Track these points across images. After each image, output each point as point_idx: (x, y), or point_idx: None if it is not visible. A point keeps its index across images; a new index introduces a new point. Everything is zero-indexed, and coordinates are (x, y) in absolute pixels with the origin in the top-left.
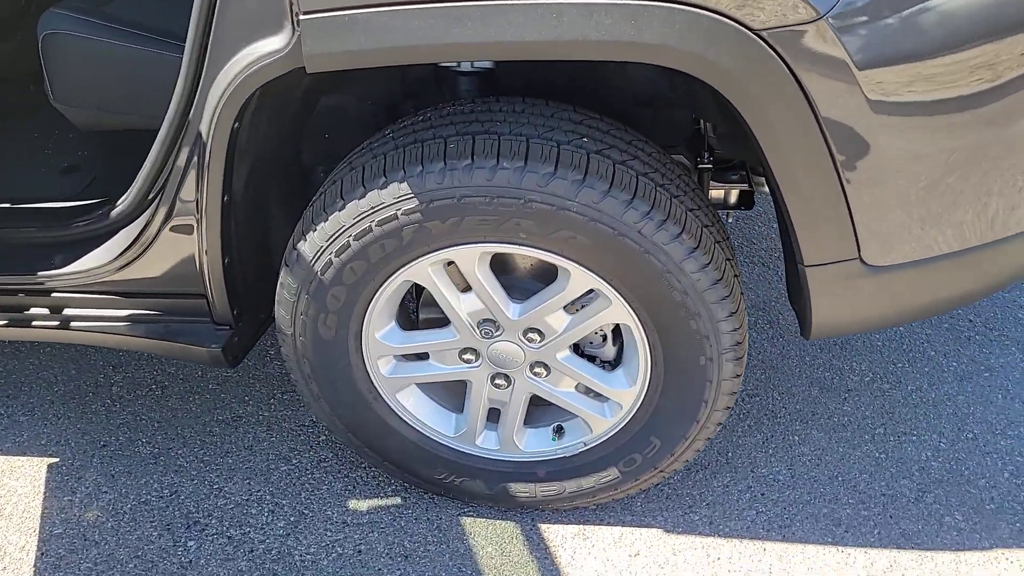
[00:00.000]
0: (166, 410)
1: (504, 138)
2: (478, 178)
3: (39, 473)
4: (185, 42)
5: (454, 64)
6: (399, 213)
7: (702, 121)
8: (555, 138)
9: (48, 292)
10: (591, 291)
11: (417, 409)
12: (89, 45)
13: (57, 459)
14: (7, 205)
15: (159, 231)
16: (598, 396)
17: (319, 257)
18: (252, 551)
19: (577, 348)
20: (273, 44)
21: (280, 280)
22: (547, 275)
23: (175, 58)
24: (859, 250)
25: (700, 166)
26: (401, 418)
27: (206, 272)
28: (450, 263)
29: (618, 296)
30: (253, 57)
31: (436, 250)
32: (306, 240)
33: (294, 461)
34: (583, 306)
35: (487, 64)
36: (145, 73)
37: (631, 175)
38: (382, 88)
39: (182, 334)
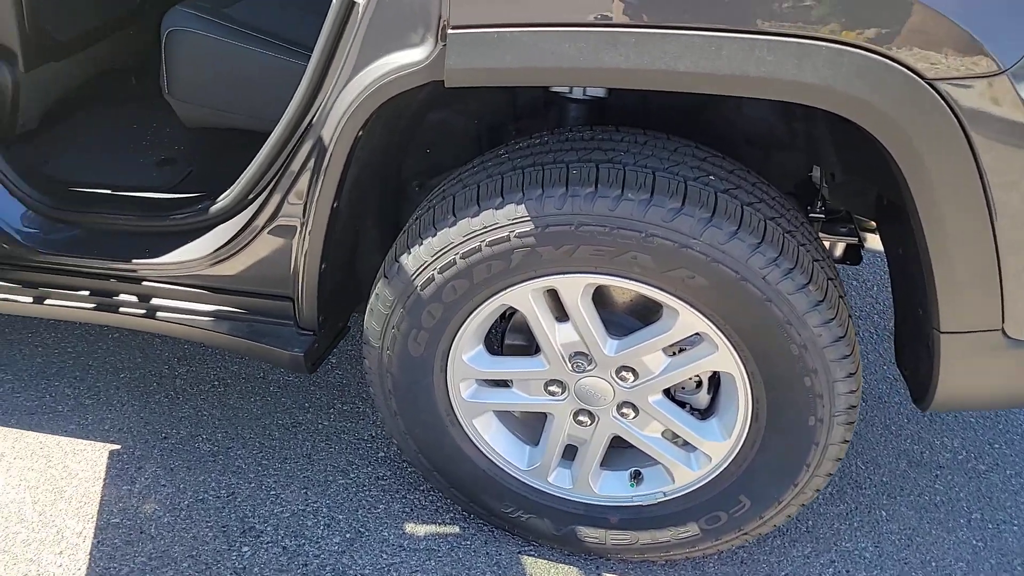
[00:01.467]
0: (227, 408)
1: (629, 169)
2: (600, 207)
3: (100, 458)
4: (301, 48)
5: (566, 90)
6: (512, 235)
7: (816, 168)
8: (682, 173)
9: (139, 280)
10: (695, 334)
11: (492, 437)
12: (211, 44)
13: (119, 446)
14: (107, 191)
15: (260, 230)
16: (685, 445)
17: (421, 272)
18: (306, 565)
19: (668, 392)
20: (413, 56)
21: (375, 291)
22: (647, 312)
23: (290, 63)
24: (1003, 321)
25: (811, 215)
26: (475, 445)
27: (300, 275)
28: (551, 291)
29: (727, 343)
30: (391, 67)
31: (542, 276)
32: (410, 253)
33: (352, 475)
34: (683, 349)
35: (600, 92)
36: (259, 76)
37: (759, 218)
38: (491, 107)
39: (266, 335)
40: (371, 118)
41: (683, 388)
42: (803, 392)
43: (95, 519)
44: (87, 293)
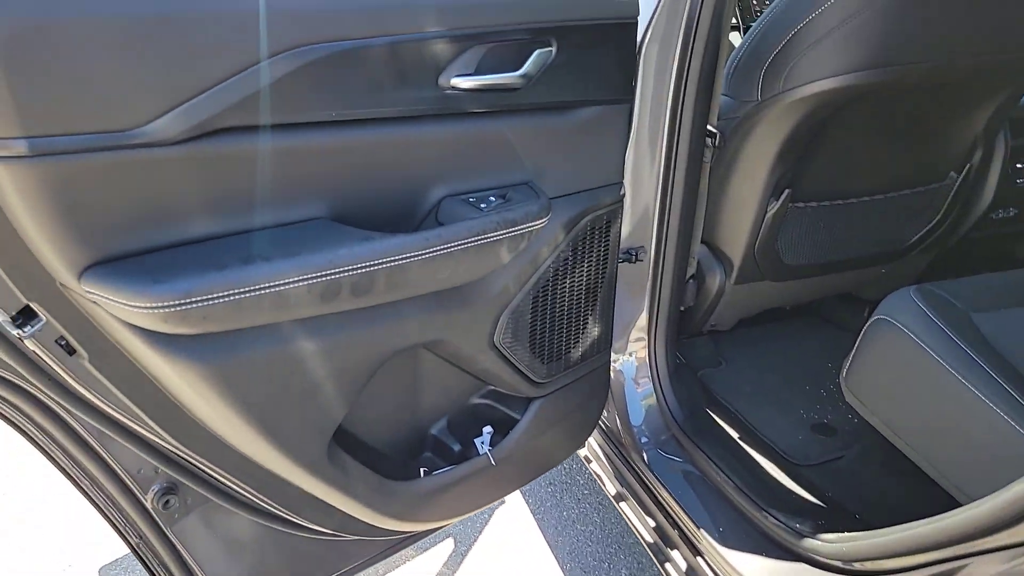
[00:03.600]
0: None
1: None
2: None
3: None
4: None
5: None
6: None
7: None
8: None
9: (696, 552)
10: None
11: None
12: (913, 353)
13: None
14: (735, 430)
15: None
16: None
17: None
18: None
19: None
20: None
21: None
22: None
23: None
24: None
25: None
26: None
27: None
28: None
29: None
30: None
31: None
32: None
33: None
34: None
35: None
36: (959, 421)
37: None
38: None
39: None
40: None
41: None
42: None
43: None
44: (652, 525)
